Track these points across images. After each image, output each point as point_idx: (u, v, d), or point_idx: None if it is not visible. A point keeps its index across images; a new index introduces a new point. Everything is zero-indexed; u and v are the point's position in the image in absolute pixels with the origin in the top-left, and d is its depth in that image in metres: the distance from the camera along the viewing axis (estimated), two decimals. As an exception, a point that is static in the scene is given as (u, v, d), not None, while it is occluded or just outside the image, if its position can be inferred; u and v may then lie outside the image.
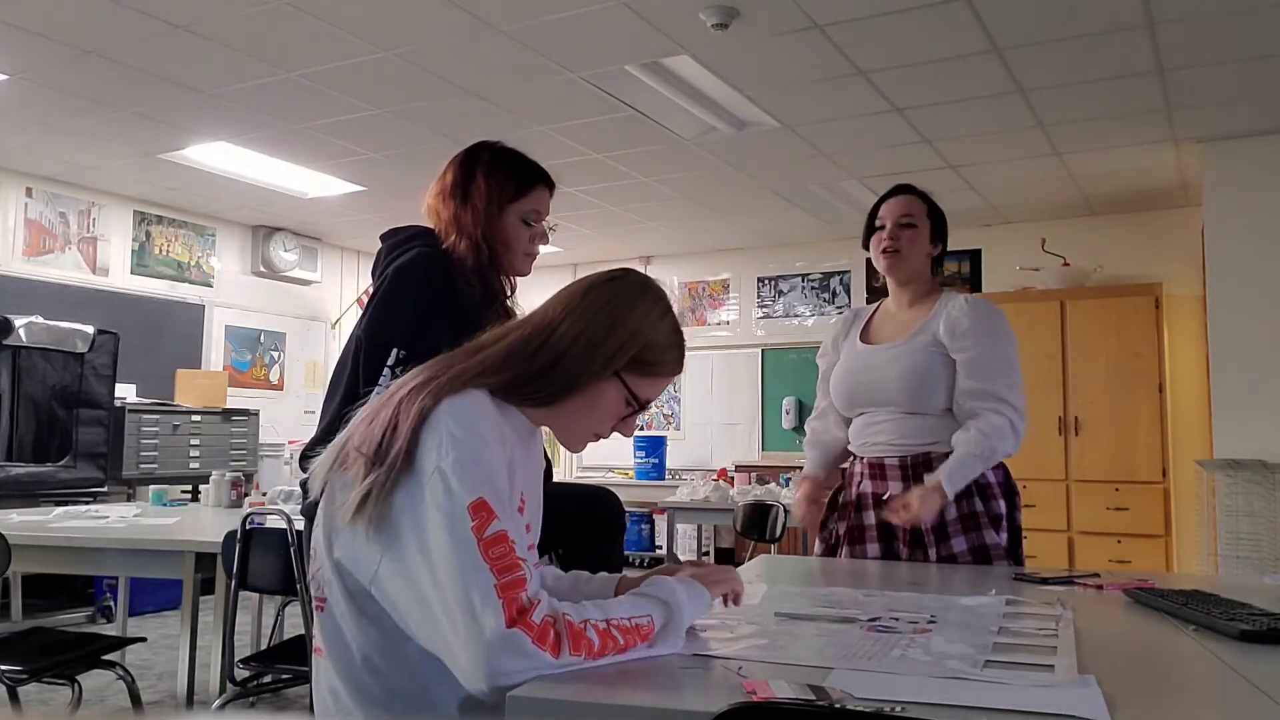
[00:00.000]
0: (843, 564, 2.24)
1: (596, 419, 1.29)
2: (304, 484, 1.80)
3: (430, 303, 1.80)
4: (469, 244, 1.87)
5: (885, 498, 2.19)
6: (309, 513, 1.80)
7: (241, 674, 2.82)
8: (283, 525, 2.63)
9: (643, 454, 7.74)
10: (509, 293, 1.96)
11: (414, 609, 1.09)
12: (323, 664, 1.20)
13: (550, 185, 2.00)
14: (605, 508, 2.10)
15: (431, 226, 1.93)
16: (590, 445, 1.34)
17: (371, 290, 1.90)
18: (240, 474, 4.27)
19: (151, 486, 4.22)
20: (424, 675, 1.12)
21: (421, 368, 1.25)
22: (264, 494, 4.18)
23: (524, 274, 1.98)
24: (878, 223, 2.36)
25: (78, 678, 2.83)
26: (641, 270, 7.07)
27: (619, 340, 1.25)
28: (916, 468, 2.18)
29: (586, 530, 1.99)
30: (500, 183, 1.93)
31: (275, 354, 7.77)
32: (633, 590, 1.21)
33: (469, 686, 1.03)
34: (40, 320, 5.41)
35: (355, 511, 1.12)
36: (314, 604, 1.23)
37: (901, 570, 2.06)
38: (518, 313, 1.97)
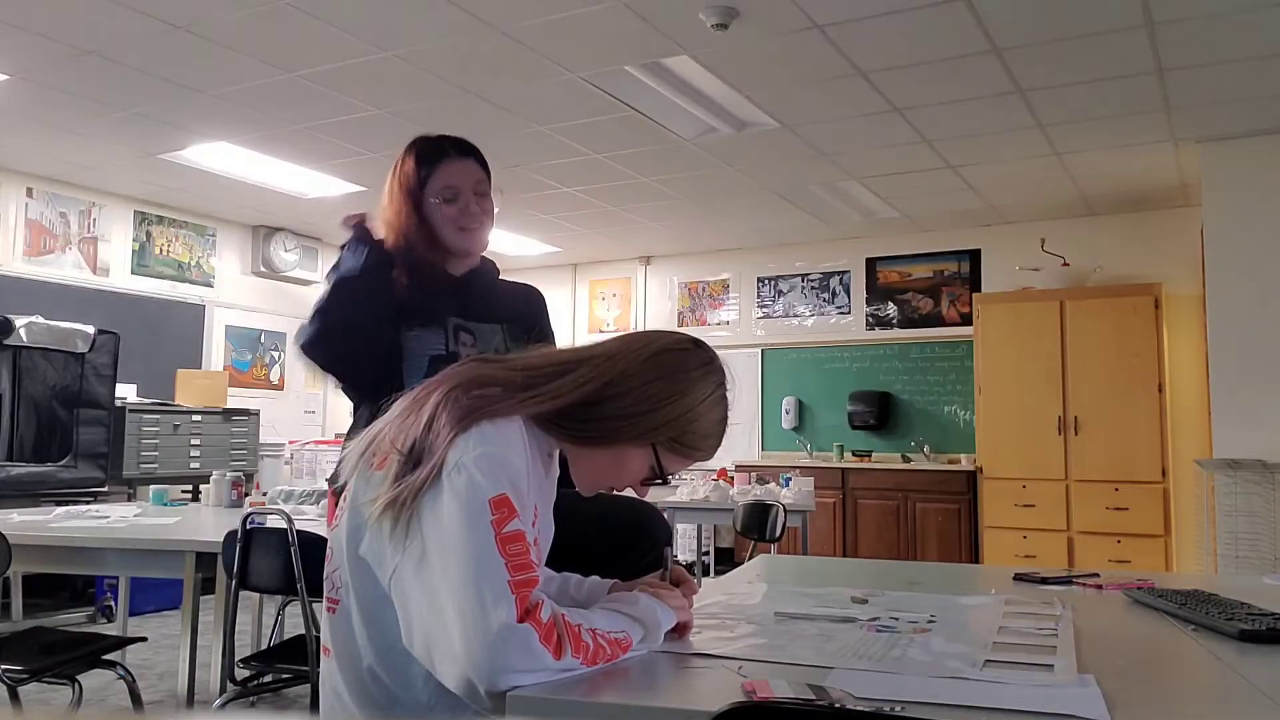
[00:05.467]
0: (843, 564, 2.24)
1: (616, 475, 1.28)
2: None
3: (361, 309, 1.84)
4: (394, 238, 1.91)
5: None
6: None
7: (242, 674, 2.82)
8: (283, 525, 2.63)
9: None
10: (448, 273, 1.96)
11: (420, 601, 1.07)
12: (330, 664, 1.20)
13: (465, 153, 1.99)
14: (653, 531, 1.91)
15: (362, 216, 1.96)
16: None
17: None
18: (241, 474, 4.27)
19: (152, 486, 4.21)
20: (426, 694, 1.12)
21: (459, 368, 1.23)
22: (264, 494, 4.17)
23: (465, 249, 1.96)
24: None
25: (78, 677, 2.82)
26: (642, 271, 7.02)
27: (667, 417, 1.23)
28: None
29: (629, 550, 1.86)
30: (408, 172, 1.94)
31: (275, 354, 7.78)
32: (607, 604, 1.19)
33: (464, 680, 1.01)
34: (41, 320, 5.40)
35: (383, 510, 1.11)
36: (326, 604, 1.22)
37: (901, 570, 2.06)
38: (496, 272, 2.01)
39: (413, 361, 1.90)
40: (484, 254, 2.09)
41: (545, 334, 2.06)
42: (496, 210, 2.06)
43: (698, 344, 1.30)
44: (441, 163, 1.96)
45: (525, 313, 2.05)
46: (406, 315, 1.90)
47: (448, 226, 1.94)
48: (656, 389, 1.22)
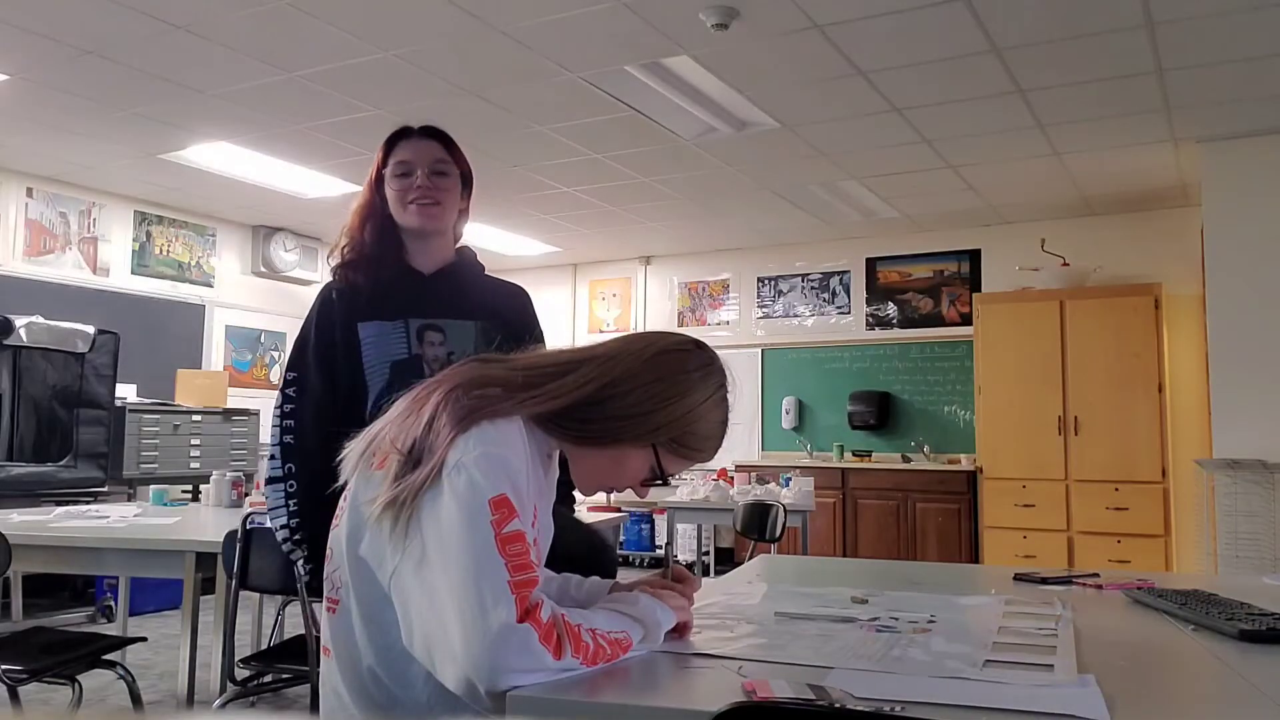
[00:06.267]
0: (843, 564, 2.24)
1: (616, 476, 1.28)
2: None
3: (308, 332, 1.99)
4: (346, 241, 1.96)
5: None
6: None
7: (242, 673, 2.82)
8: (283, 525, 2.63)
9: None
10: (407, 252, 1.98)
11: (420, 601, 1.07)
12: (330, 665, 1.20)
13: (428, 134, 1.98)
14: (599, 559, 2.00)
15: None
16: None
17: None
18: (241, 474, 4.27)
19: (152, 486, 4.21)
20: (426, 694, 1.12)
21: (459, 368, 1.23)
22: (264, 494, 4.17)
23: (414, 225, 1.94)
24: None
25: (78, 677, 2.82)
26: (642, 271, 7.02)
27: (668, 418, 1.23)
28: None
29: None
30: (376, 162, 1.97)
31: (275, 354, 7.78)
32: (607, 604, 1.19)
33: (464, 680, 1.01)
34: (41, 320, 5.41)
35: (383, 510, 1.11)
36: (326, 604, 1.22)
37: (901, 570, 2.07)
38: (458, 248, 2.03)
39: (374, 368, 1.90)
40: (465, 250, 2.07)
41: (536, 336, 2.03)
42: (464, 200, 2.02)
43: (699, 345, 1.30)
44: (401, 142, 1.96)
45: (508, 310, 2.02)
46: (362, 309, 1.92)
47: (397, 203, 1.93)
48: (657, 390, 1.22)
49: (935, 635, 1.27)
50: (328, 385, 1.93)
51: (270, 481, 1.96)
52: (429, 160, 1.94)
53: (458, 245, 2.07)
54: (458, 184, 1.99)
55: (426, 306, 1.92)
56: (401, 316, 1.91)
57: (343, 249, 1.97)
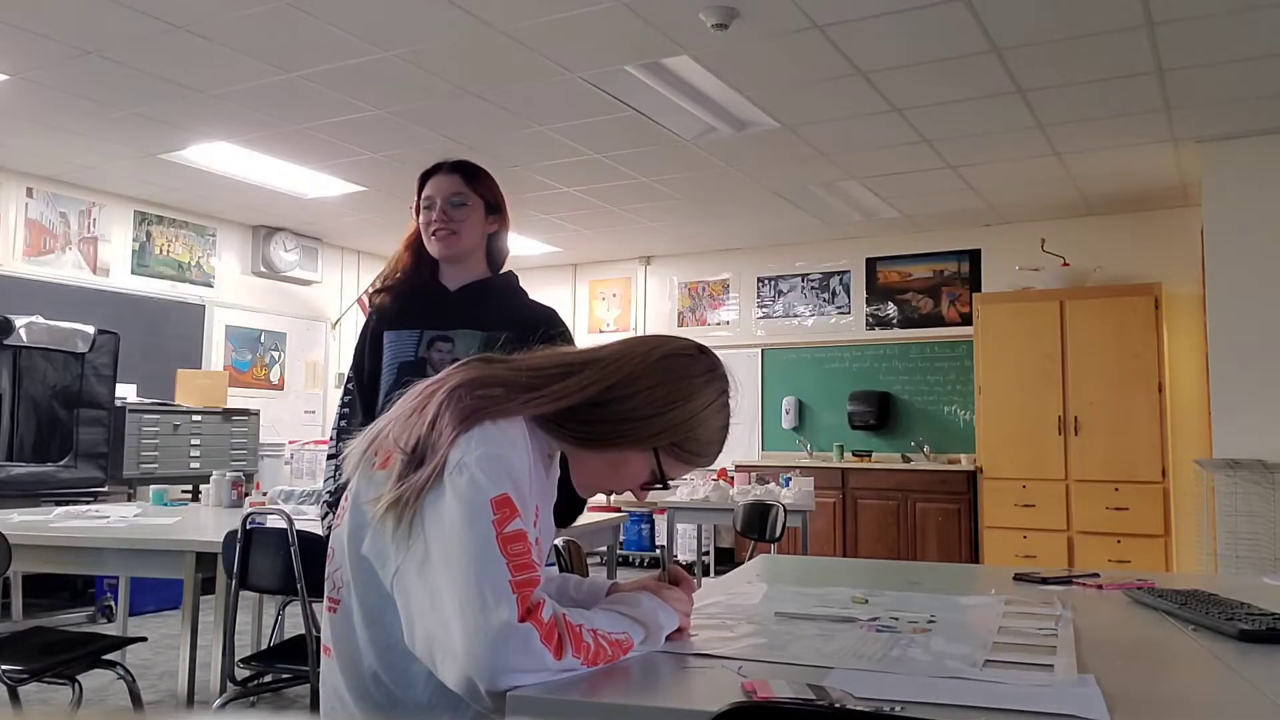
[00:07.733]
0: (843, 564, 2.24)
1: (616, 479, 1.28)
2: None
3: (361, 347, 2.21)
4: (389, 267, 2.19)
5: None
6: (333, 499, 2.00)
7: (242, 673, 2.82)
8: (283, 525, 2.63)
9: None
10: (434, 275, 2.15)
11: (422, 601, 1.07)
12: (331, 665, 1.20)
13: (453, 169, 2.14)
14: None
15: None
16: None
17: None
18: (241, 474, 4.27)
19: (152, 486, 4.21)
20: (427, 695, 1.12)
21: (462, 367, 1.23)
22: (264, 494, 4.18)
23: (439, 254, 2.12)
24: None
25: (78, 677, 2.82)
26: (642, 271, 7.02)
27: (670, 422, 1.23)
28: None
29: None
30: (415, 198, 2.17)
31: (276, 354, 7.78)
32: (609, 605, 1.19)
33: (465, 680, 1.01)
34: (41, 320, 5.41)
35: (386, 510, 1.11)
36: (327, 604, 1.22)
37: (901, 570, 2.07)
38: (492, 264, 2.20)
39: (387, 369, 2.12)
40: (507, 274, 2.21)
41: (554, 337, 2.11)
42: (492, 225, 2.18)
43: (702, 350, 1.30)
44: (430, 178, 2.15)
45: (527, 326, 2.04)
46: (389, 320, 2.15)
47: (425, 234, 2.13)
48: (661, 394, 1.22)
49: (935, 635, 1.27)
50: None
51: (329, 458, 2.19)
52: (447, 193, 2.11)
53: (502, 269, 2.23)
54: (477, 213, 2.13)
55: (442, 318, 2.10)
56: (419, 326, 2.10)
57: (383, 276, 2.21)
